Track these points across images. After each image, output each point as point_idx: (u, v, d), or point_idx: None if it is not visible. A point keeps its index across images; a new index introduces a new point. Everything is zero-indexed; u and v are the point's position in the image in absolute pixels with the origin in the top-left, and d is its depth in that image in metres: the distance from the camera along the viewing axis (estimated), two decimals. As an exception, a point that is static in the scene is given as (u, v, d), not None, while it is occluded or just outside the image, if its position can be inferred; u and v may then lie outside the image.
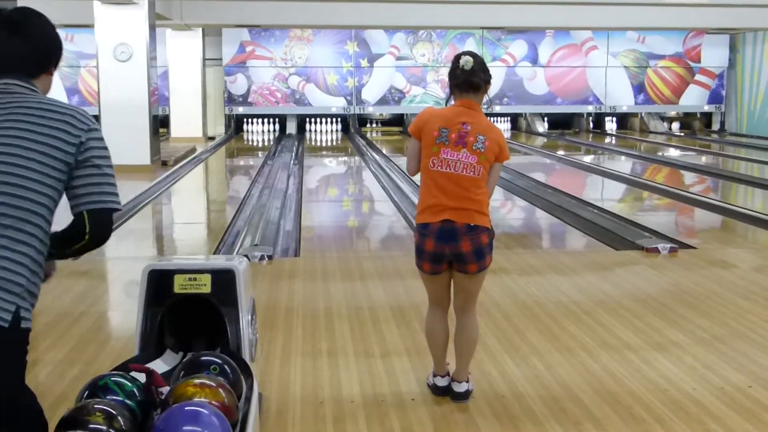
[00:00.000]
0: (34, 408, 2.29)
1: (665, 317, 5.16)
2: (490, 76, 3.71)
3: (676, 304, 5.46)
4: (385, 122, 22.22)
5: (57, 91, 20.87)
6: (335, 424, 3.64)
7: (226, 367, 2.94)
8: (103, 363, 4.26)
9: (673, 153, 17.16)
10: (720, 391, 3.97)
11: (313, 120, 21.76)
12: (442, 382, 3.88)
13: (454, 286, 3.81)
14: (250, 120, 21.68)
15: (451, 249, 3.62)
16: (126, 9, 13.32)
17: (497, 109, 21.93)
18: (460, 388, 3.83)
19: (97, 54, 13.48)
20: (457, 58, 3.66)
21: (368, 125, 22.24)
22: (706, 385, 4.04)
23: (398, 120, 21.89)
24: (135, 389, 2.75)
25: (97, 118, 13.71)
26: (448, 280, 3.80)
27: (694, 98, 22.39)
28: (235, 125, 21.52)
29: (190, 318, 3.39)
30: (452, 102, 3.76)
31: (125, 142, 13.19)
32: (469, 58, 3.63)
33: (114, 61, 13.33)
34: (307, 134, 21.29)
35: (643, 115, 22.52)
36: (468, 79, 3.63)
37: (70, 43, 20.73)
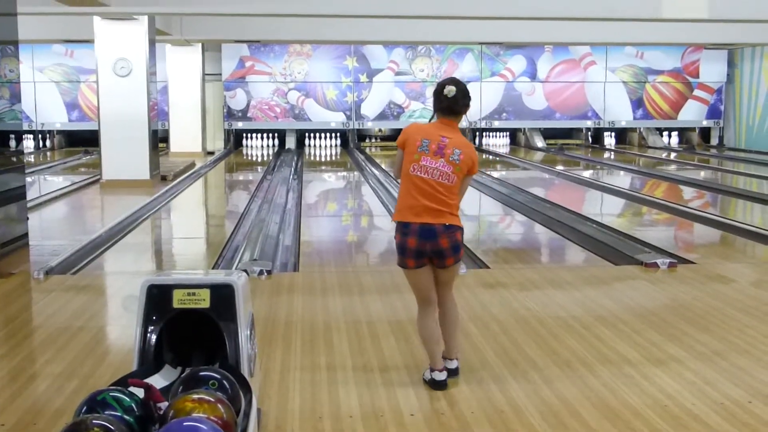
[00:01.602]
0: None
1: (664, 332, 5.15)
2: (469, 100, 4.15)
3: (675, 319, 5.46)
4: (384, 137, 22.27)
5: (57, 106, 20.93)
6: (334, 440, 3.63)
7: (224, 382, 2.93)
8: (101, 378, 4.26)
9: (671, 168, 17.19)
10: (720, 406, 3.96)
11: (312, 135, 21.81)
12: (440, 376, 4.13)
13: (435, 281, 4.18)
14: (249, 135, 21.73)
15: (432, 246, 4.04)
16: (126, 24, 13.37)
17: (496, 124, 21.99)
18: (451, 365, 4.22)
19: (97, 69, 13.52)
20: (442, 85, 4.12)
21: (367, 140, 22.27)
22: (705, 400, 4.03)
23: (397, 135, 21.91)
24: (133, 404, 2.75)
25: (96, 133, 13.75)
26: (431, 274, 4.16)
27: (692, 113, 22.46)
28: (235, 140, 21.57)
29: (189, 333, 3.39)
30: (434, 120, 4.21)
31: (125, 156, 13.25)
32: (453, 88, 4.08)
33: (114, 76, 13.37)
34: (307, 149, 21.33)
35: (641, 130, 22.58)
36: (450, 106, 4.11)
37: (70, 58, 20.82)
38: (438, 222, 4.00)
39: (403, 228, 4.07)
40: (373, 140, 22.32)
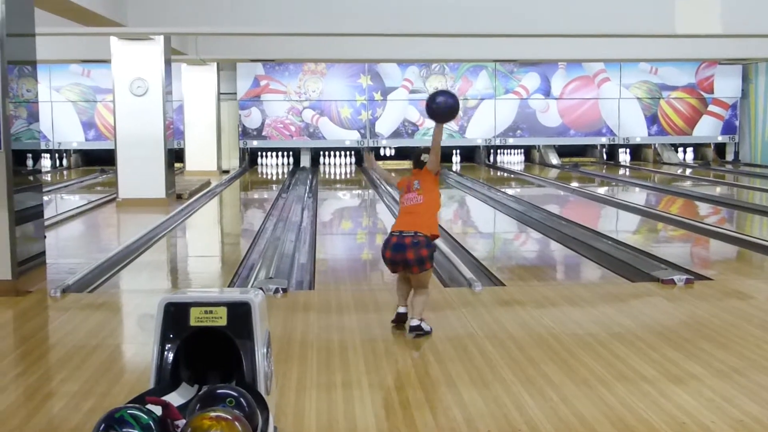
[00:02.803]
0: None
1: (682, 349, 5.12)
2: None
3: (692, 336, 5.42)
4: (399, 153, 22.17)
5: (74, 125, 21.10)
6: (350, 458, 3.62)
7: (242, 399, 2.93)
8: (117, 396, 4.27)
9: (687, 184, 17.12)
10: (739, 423, 3.92)
11: (326, 153, 21.87)
12: (402, 309, 5.62)
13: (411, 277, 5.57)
14: (264, 153, 21.83)
15: (401, 257, 5.41)
16: (142, 44, 13.49)
17: (510, 141, 22.00)
18: (413, 322, 5.44)
19: (114, 89, 13.63)
20: (420, 153, 5.72)
21: (383, 149, 22.10)
22: (724, 418, 4.00)
23: (408, 151, 21.94)
24: (151, 422, 2.75)
25: (112, 152, 13.85)
26: (405, 274, 5.60)
27: (707, 129, 22.41)
28: (250, 159, 21.67)
29: (206, 351, 3.39)
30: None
31: (141, 175, 13.33)
32: (427, 155, 5.61)
33: (130, 96, 13.48)
34: (321, 167, 21.39)
35: (656, 146, 22.53)
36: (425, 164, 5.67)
37: (87, 78, 21.00)
38: (409, 231, 5.42)
39: (385, 242, 5.53)
40: (386, 149, 22.19)
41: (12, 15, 6.73)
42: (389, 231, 5.65)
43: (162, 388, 3.23)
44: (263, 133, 21.45)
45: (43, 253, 7.39)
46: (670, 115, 22.32)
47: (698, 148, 22.80)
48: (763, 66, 21.24)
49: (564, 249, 9.33)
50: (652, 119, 22.29)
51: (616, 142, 22.37)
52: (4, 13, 6.60)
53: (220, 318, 3.29)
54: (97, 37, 13.90)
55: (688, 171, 20.33)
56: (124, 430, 2.68)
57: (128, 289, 7.66)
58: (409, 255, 5.35)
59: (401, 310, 5.65)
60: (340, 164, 21.74)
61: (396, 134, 21.67)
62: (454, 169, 20.88)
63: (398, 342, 5.39)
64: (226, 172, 20.02)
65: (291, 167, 21.38)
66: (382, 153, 22.09)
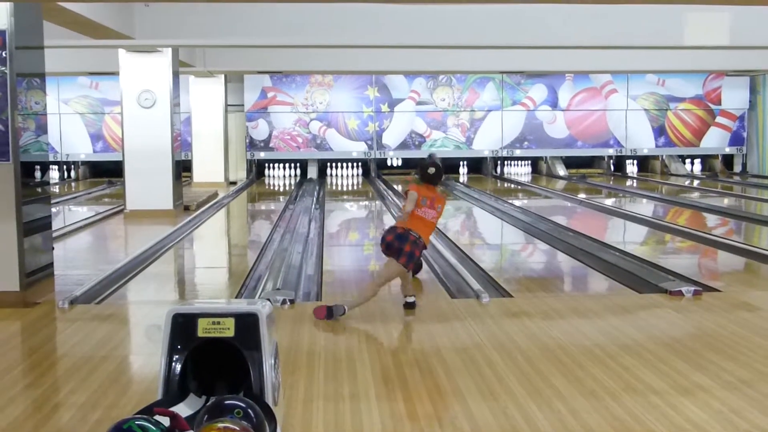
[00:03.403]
0: None
1: (690, 361, 5.11)
2: (442, 177, 6.71)
3: (701, 348, 5.40)
4: (406, 164, 22.15)
5: (82, 137, 21.18)
6: (358, 469, 3.61)
7: (249, 410, 2.94)
8: (125, 407, 4.27)
9: (694, 195, 17.09)
10: (748, 435, 3.91)
11: (334, 164, 21.90)
12: (409, 299, 6.54)
13: (387, 261, 6.36)
14: (271, 165, 21.86)
15: (398, 245, 6.23)
16: (150, 57, 13.55)
17: (517, 152, 22.00)
18: (339, 310, 6.22)
19: (122, 101, 13.69)
20: (427, 166, 6.44)
21: (390, 160, 22.06)
22: (733, 430, 3.98)
23: (414, 163, 21.93)
24: (158, 433, 2.75)
25: (120, 163, 13.89)
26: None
27: (715, 140, 22.36)
28: (257, 170, 21.70)
29: (213, 361, 3.39)
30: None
31: (148, 187, 13.37)
32: (433, 168, 6.44)
33: (138, 108, 13.53)
34: (328, 179, 21.41)
35: (664, 157, 22.50)
36: (431, 179, 6.48)
37: (95, 90, 21.09)
38: (416, 234, 6.24)
39: (391, 229, 6.38)
40: (393, 160, 22.18)
41: (21, 28, 6.77)
42: (399, 224, 6.38)
43: (170, 399, 3.24)
44: (270, 145, 21.49)
45: (51, 264, 7.41)
46: (678, 127, 22.30)
47: (706, 159, 22.76)
48: (770, 77, 21.23)
49: (571, 260, 9.32)
50: (659, 131, 22.27)
51: (624, 154, 22.35)
52: (13, 26, 6.64)
53: (227, 329, 3.30)
54: (106, 50, 13.96)
55: (695, 182, 20.29)
56: (132, 441, 2.68)
57: (136, 301, 7.67)
58: (407, 248, 6.20)
59: (409, 299, 6.58)
60: (347, 175, 21.76)
61: (403, 145, 21.68)
62: (461, 180, 20.87)
63: (406, 353, 5.38)
64: (234, 183, 20.06)
65: (298, 179, 21.41)
66: (389, 164, 22.12)
